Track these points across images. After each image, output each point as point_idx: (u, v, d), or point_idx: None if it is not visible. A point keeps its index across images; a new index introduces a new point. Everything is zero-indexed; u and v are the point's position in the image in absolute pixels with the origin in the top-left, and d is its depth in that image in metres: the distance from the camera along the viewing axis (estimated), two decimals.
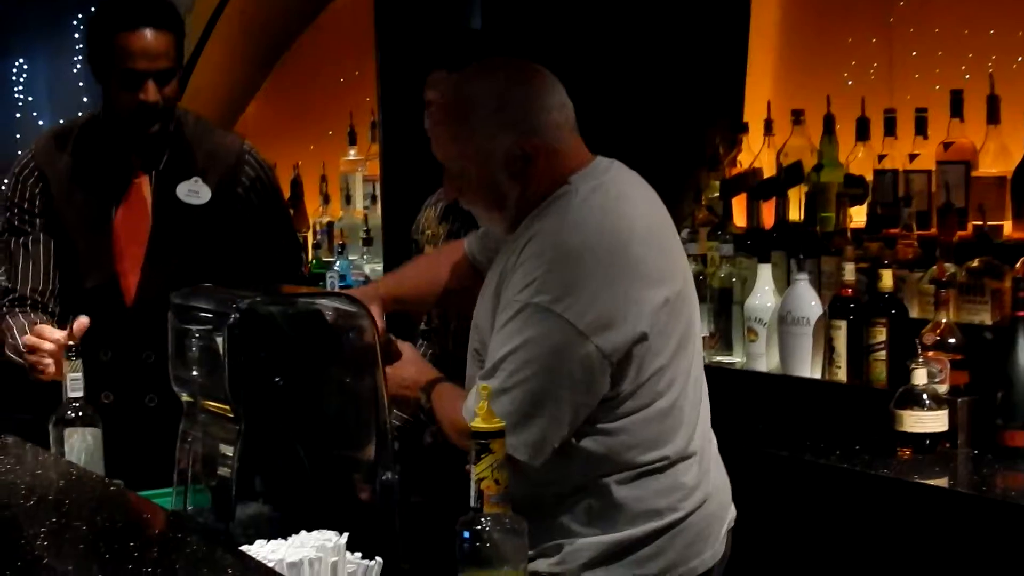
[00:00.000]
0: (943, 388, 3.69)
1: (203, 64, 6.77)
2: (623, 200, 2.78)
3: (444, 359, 3.66)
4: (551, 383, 2.66)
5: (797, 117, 4.53)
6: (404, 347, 3.01)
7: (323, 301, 2.81)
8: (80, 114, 3.95)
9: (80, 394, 3.12)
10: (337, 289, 5.04)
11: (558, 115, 2.79)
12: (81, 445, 3.13)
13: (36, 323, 3.66)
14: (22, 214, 3.79)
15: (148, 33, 3.54)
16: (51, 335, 3.45)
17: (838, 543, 3.56)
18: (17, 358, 3.72)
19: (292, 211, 6.02)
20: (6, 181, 3.88)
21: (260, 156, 3.88)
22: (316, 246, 5.95)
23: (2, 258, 3.86)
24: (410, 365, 2.98)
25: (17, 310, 3.77)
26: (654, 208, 2.85)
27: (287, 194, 6.19)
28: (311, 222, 6.24)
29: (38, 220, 3.77)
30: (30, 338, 3.48)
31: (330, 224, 5.98)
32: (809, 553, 3.63)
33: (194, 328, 2.76)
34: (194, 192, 3.73)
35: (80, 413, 3.13)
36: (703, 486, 2.83)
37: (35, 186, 3.77)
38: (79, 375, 3.12)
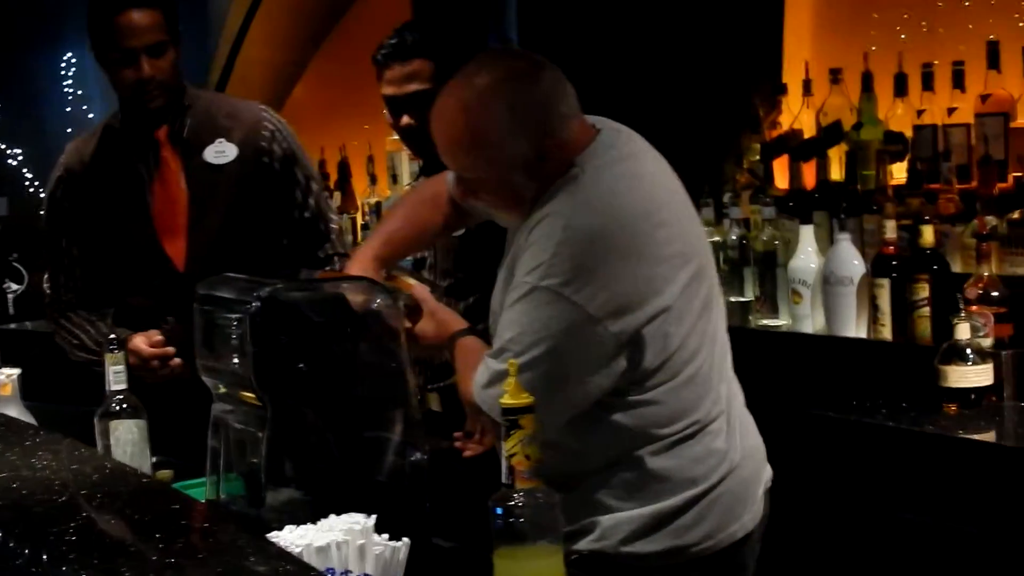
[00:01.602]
0: (987, 342, 3.66)
1: (248, 45, 6.82)
2: (632, 177, 2.72)
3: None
4: (558, 365, 2.62)
5: (835, 76, 4.49)
6: (423, 298, 2.94)
7: (346, 285, 2.82)
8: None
9: (124, 386, 3.14)
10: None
11: (567, 108, 2.71)
12: (127, 437, 3.16)
13: (95, 320, 3.86)
14: (56, 220, 3.91)
15: (133, 13, 3.69)
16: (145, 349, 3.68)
17: (886, 501, 3.55)
18: (92, 355, 3.79)
19: (340, 193, 6.06)
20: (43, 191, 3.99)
21: (276, 115, 3.98)
22: (364, 226, 5.95)
23: (47, 266, 3.97)
24: (429, 321, 2.92)
25: (68, 313, 3.92)
26: (665, 179, 2.80)
27: (334, 176, 6.22)
28: (359, 202, 6.24)
29: (72, 224, 3.88)
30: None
31: (378, 204, 5.97)
32: (857, 512, 3.62)
33: (219, 317, 2.78)
34: (221, 152, 3.85)
35: (124, 406, 3.15)
36: (735, 447, 2.80)
37: (66, 191, 3.89)
38: (122, 367, 3.15)
